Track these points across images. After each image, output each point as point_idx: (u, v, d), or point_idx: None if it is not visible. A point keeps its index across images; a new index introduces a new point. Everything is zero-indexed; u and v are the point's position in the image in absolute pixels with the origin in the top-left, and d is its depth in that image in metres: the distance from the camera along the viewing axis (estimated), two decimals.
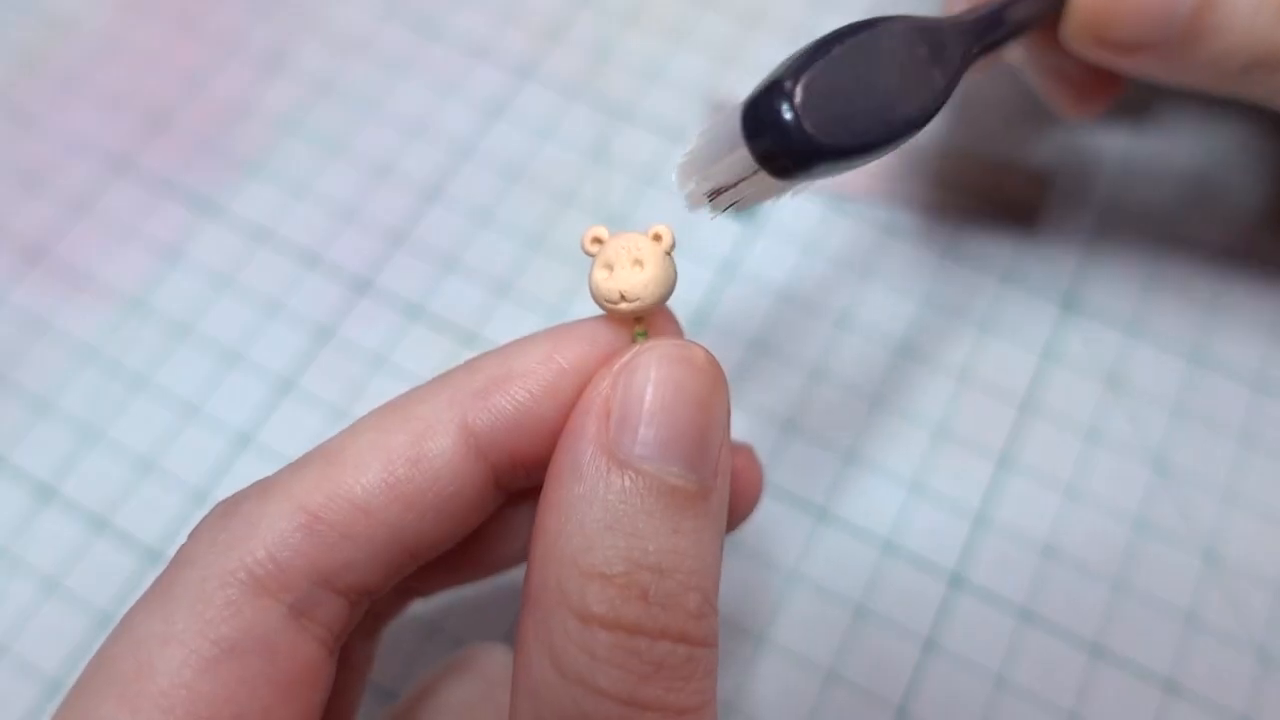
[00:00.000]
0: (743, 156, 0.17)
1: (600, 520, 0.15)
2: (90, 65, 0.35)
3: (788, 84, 0.16)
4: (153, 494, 0.28)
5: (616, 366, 0.17)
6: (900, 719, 0.24)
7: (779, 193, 0.18)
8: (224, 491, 0.28)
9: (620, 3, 0.35)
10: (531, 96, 0.33)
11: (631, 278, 0.17)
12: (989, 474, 0.27)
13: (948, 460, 0.27)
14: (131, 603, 0.26)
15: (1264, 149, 0.31)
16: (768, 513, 0.27)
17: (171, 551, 0.27)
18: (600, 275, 0.18)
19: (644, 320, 0.18)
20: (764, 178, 0.17)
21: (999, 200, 0.31)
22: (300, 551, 0.16)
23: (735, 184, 0.17)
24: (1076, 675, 0.25)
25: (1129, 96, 0.32)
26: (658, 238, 0.18)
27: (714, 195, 0.18)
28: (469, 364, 0.18)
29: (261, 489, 0.17)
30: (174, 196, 0.32)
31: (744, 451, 0.21)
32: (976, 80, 0.33)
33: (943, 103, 0.18)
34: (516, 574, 0.26)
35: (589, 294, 0.18)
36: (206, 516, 0.17)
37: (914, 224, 0.31)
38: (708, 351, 0.17)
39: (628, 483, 0.15)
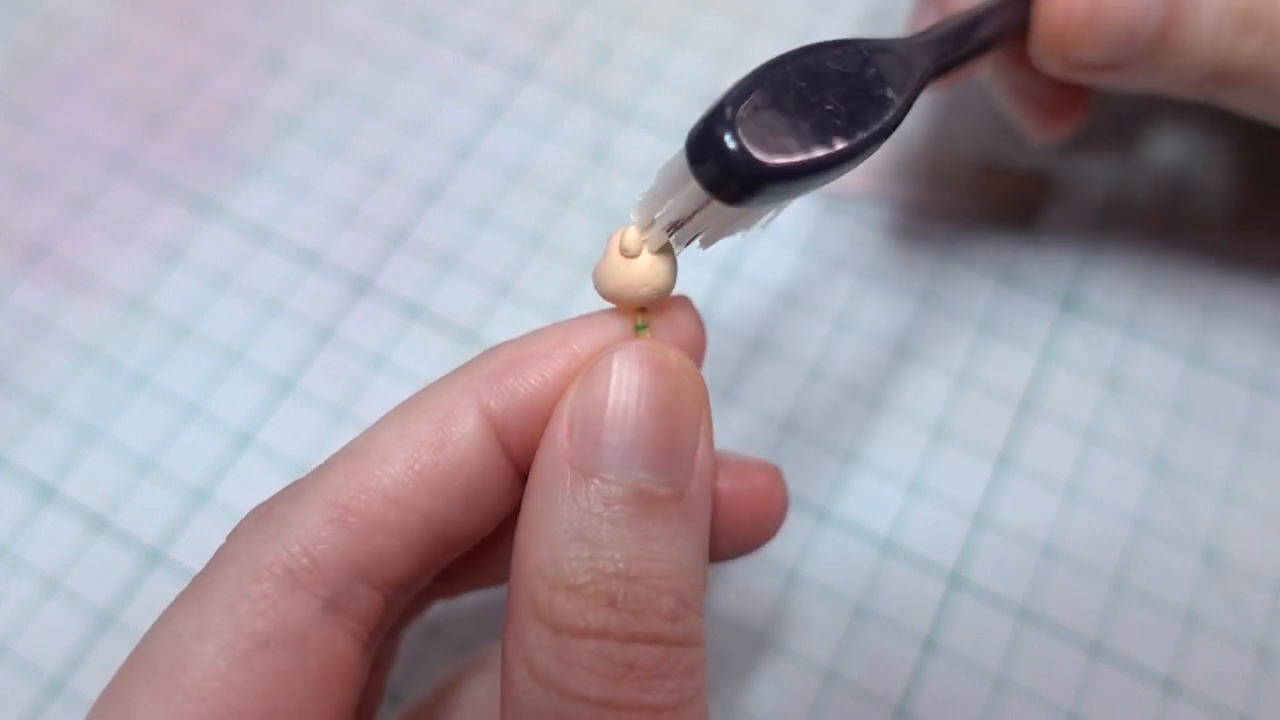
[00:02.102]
0: (693, 188, 0.17)
1: (565, 532, 0.15)
2: (90, 65, 0.35)
3: (727, 109, 0.16)
4: (153, 494, 0.28)
5: (582, 373, 0.17)
6: (900, 718, 0.25)
7: (738, 223, 0.18)
8: (224, 491, 0.28)
9: (620, 3, 0.35)
10: (531, 96, 0.33)
11: (653, 268, 0.18)
12: (988, 474, 0.27)
13: (947, 460, 0.27)
14: (131, 603, 0.27)
15: (1261, 150, 0.31)
16: None
17: (172, 552, 0.27)
18: (599, 266, 0.18)
19: (647, 312, 0.18)
20: (718, 207, 0.17)
21: (998, 201, 0.31)
22: (334, 545, 0.16)
23: (692, 217, 0.17)
24: (1076, 675, 0.25)
25: (1127, 98, 0.32)
26: (626, 238, 0.18)
27: (672, 231, 0.18)
28: (487, 352, 0.18)
29: (295, 491, 0.17)
30: (174, 196, 0.32)
31: (770, 471, 0.21)
32: (975, 82, 0.33)
33: (897, 122, 0.18)
34: None
35: (598, 287, 0.18)
36: (243, 519, 0.17)
37: (913, 224, 0.31)
38: (676, 350, 0.17)
39: (592, 492, 0.15)
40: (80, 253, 0.31)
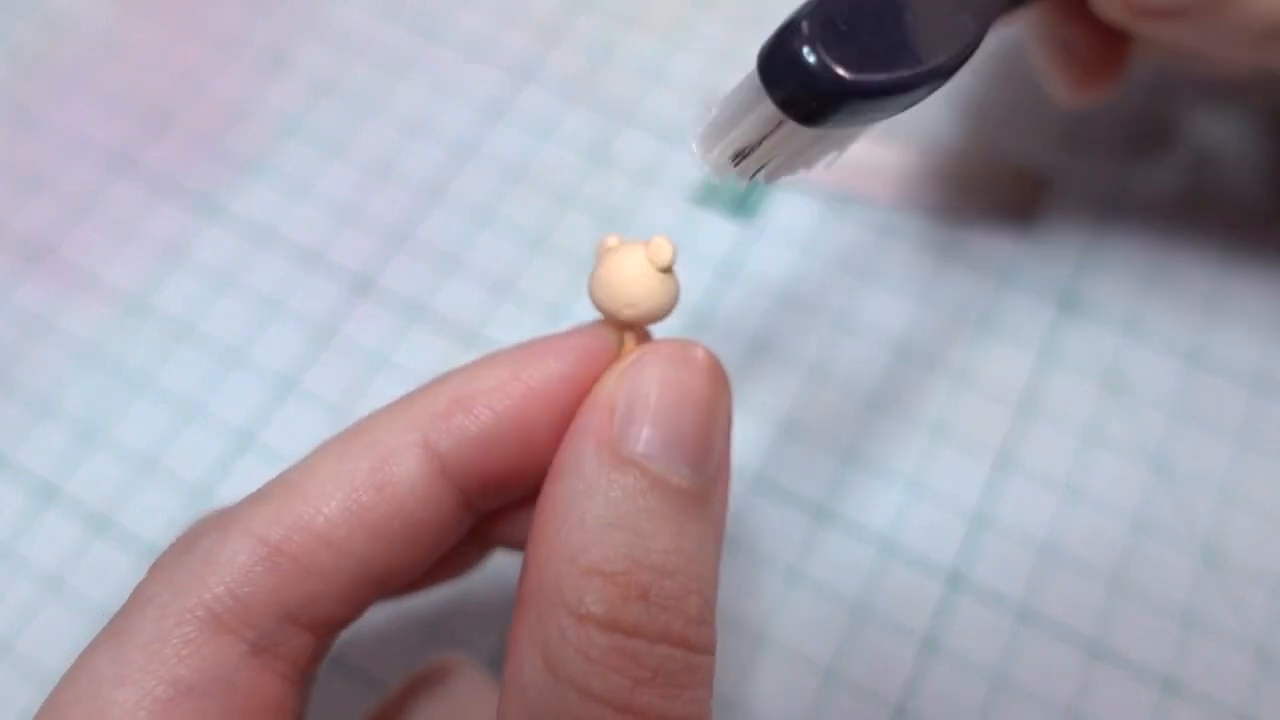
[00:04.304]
0: (765, 110, 0.16)
1: (601, 517, 0.15)
2: (90, 65, 0.35)
3: (804, 23, 0.16)
4: (153, 494, 0.28)
5: (623, 365, 0.16)
6: (899, 717, 0.25)
7: (807, 154, 0.17)
8: (225, 491, 0.28)
9: (620, 3, 0.35)
10: (531, 97, 0.33)
11: (665, 286, 0.17)
12: (987, 473, 0.27)
13: (946, 460, 0.27)
14: None
15: (1261, 149, 0.31)
16: (767, 512, 0.27)
17: None
18: (631, 280, 0.17)
19: (635, 331, 0.18)
20: (789, 130, 0.16)
21: (997, 200, 0.31)
22: (262, 586, 0.15)
23: (760, 143, 0.17)
24: (1075, 674, 0.25)
25: (1127, 99, 0.32)
26: (659, 249, 0.18)
27: (738, 160, 0.17)
28: (432, 384, 0.18)
29: (222, 522, 0.16)
30: (174, 196, 0.32)
31: None
32: (976, 80, 0.33)
33: (973, 50, 0.17)
34: (517, 574, 0.26)
35: (598, 298, 0.18)
36: (166, 551, 0.16)
37: (912, 224, 0.31)
38: (711, 353, 0.17)
39: (632, 481, 0.15)
40: (80, 253, 0.31)
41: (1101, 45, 0.26)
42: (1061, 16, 0.25)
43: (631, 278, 0.17)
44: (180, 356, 0.30)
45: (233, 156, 0.33)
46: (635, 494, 0.15)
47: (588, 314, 0.31)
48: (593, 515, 0.15)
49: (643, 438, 0.15)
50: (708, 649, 0.15)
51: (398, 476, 0.16)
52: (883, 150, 0.31)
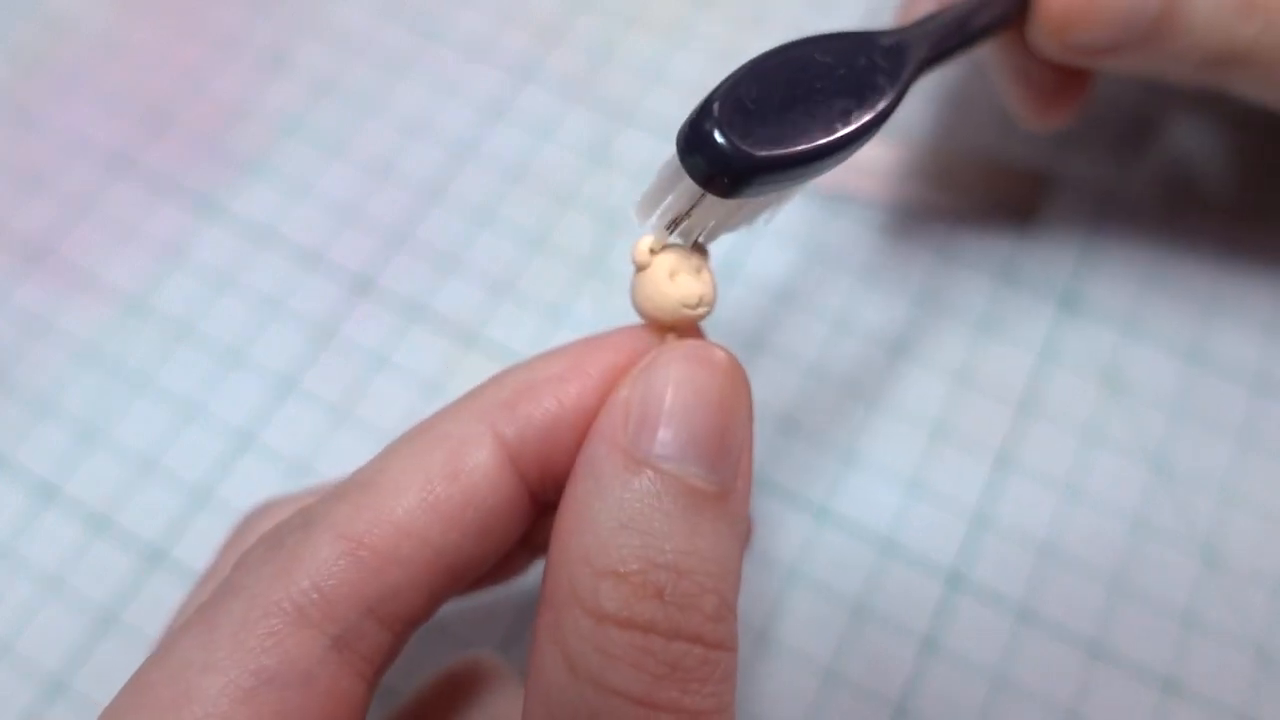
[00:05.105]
0: (688, 184, 0.17)
1: (615, 518, 0.15)
2: (90, 65, 0.35)
3: (715, 104, 0.16)
4: (153, 494, 0.28)
5: (638, 367, 0.17)
6: (899, 717, 0.25)
7: (737, 217, 0.18)
8: (225, 491, 0.28)
9: (620, 3, 0.35)
10: (531, 97, 0.33)
11: (702, 285, 0.18)
12: (987, 473, 0.27)
13: (946, 459, 0.27)
14: (132, 603, 0.27)
15: (1259, 147, 0.31)
16: (767, 512, 0.27)
17: (173, 551, 0.27)
18: (668, 283, 0.18)
19: (678, 331, 0.18)
20: (713, 201, 0.17)
21: (996, 200, 0.31)
22: (345, 580, 0.16)
23: (689, 212, 0.17)
24: (1075, 674, 0.25)
25: (1124, 96, 0.32)
26: (703, 248, 0.18)
27: (672, 227, 0.18)
28: (497, 377, 0.18)
29: (305, 519, 0.17)
30: (174, 196, 0.32)
31: None
32: (971, 79, 0.33)
33: (890, 110, 0.18)
34: (521, 576, 0.26)
35: (638, 301, 0.18)
36: (254, 546, 0.17)
37: (910, 224, 0.31)
38: (729, 353, 0.17)
39: (645, 482, 0.15)
40: (80, 253, 0.31)
41: (1061, 74, 0.26)
42: (1018, 48, 0.25)
43: (665, 280, 0.18)
44: (180, 356, 0.30)
45: (233, 156, 0.33)
46: (649, 495, 0.15)
47: (588, 314, 0.31)
48: (606, 516, 0.15)
49: (657, 438, 0.16)
50: (726, 645, 0.15)
51: (470, 465, 0.17)
52: (881, 150, 0.31)
